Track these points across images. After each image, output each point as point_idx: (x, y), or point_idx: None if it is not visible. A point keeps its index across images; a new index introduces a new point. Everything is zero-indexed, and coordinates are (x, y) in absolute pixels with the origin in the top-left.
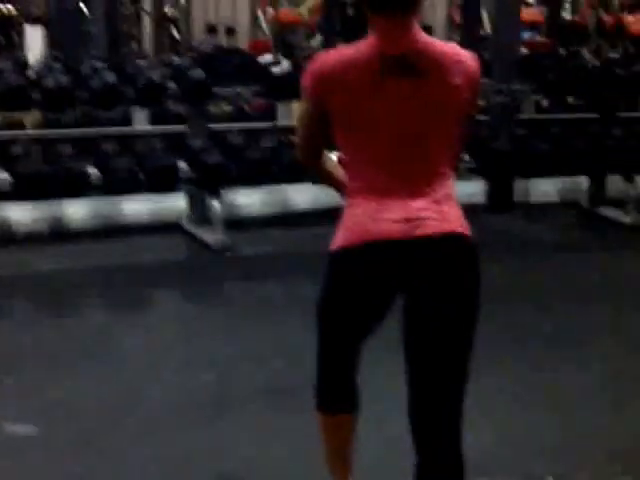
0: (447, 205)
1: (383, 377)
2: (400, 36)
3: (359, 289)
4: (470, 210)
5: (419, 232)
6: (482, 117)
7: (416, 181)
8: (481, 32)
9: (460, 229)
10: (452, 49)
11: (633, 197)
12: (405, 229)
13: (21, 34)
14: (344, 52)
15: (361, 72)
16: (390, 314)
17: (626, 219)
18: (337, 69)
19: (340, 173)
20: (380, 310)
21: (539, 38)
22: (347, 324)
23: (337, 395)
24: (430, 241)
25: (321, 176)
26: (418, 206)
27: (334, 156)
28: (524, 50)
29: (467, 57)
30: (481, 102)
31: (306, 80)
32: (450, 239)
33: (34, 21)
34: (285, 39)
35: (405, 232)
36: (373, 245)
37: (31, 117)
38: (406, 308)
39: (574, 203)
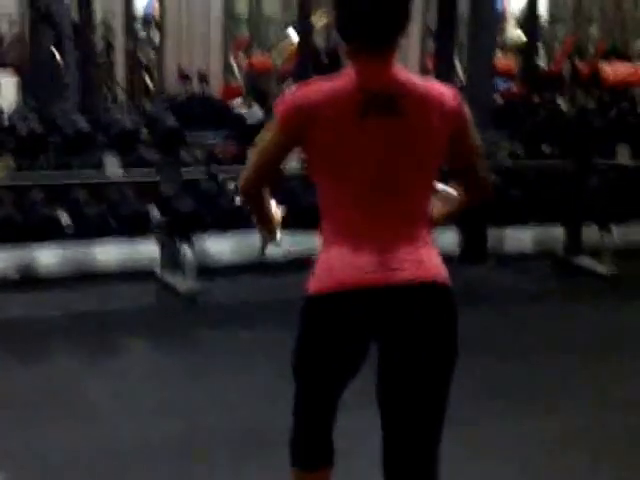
0: (425, 250)
1: (357, 430)
2: (380, 71)
3: (333, 339)
4: (443, 260)
5: (395, 279)
6: None
7: (393, 224)
8: (455, 80)
9: (438, 277)
10: (433, 87)
11: (609, 247)
12: (380, 276)
13: None
14: (324, 86)
15: (341, 107)
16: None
17: (602, 269)
18: (319, 103)
19: (274, 214)
20: (356, 359)
21: (513, 86)
22: (323, 375)
23: (315, 450)
24: (406, 289)
25: (256, 210)
26: (395, 252)
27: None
28: (498, 99)
29: (449, 96)
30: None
31: (283, 112)
32: (427, 287)
33: (8, 68)
34: (257, 85)
35: (380, 279)
36: (347, 294)
37: (3, 163)
38: (381, 358)
39: (549, 252)
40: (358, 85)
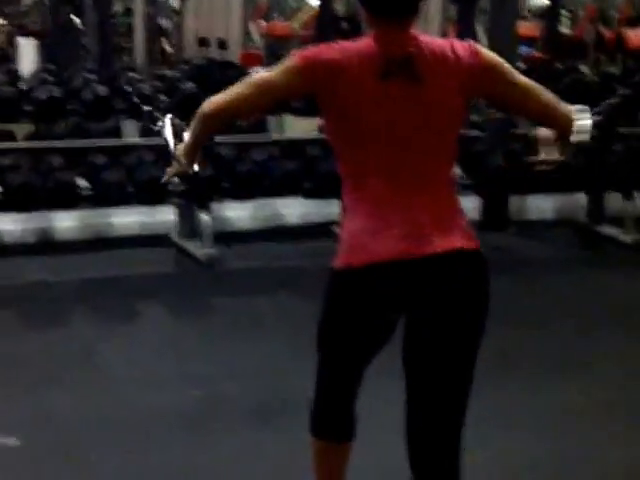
0: (452, 217)
1: (382, 404)
2: (401, 38)
3: (361, 311)
4: None
5: (423, 250)
6: (476, 132)
7: (418, 190)
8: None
9: (467, 244)
10: (449, 46)
11: (632, 215)
12: (408, 247)
13: (14, 47)
14: (346, 46)
15: (363, 69)
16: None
17: (625, 237)
18: (341, 60)
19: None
20: (384, 332)
21: (536, 53)
22: (349, 347)
23: (335, 422)
24: (436, 259)
25: (200, 135)
26: (421, 220)
27: (167, 118)
28: (521, 65)
29: (463, 50)
30: (475, 117)
31: (306, 59)
32: (456, 256)
33: (27, 34)
34: (277, 52)
35: (408, 251)
36: (375, 267)
37: (22, 128)
38: (408, 327)
39: (571, 220)
40: (378, 49)
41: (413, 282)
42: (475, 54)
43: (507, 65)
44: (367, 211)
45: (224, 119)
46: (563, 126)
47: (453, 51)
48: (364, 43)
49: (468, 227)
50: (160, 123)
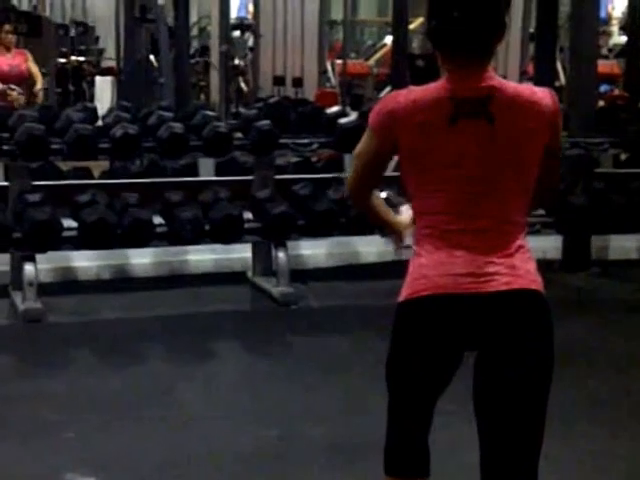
0: (519, 258)
1: (454, 439)
2: (473, 79)
3: (426, 346)
4: (545, 267)
5: (488, 288)
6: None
7: (487, 230)
8: (556, 84)
9: (531, 285)
10: (527, 90)
11: None
12: (474, 284)
13: (92, 85)
14: (415, 92)
15: (433, 113)
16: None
17: None
18: (408, 108)
19: (387, 211)
20: (449, 368)
21: (616, 91)
22: (417, 382)
23: (408, 458)
24: (499, 297)
25: (369, 213)
26: (489, 259)
27: (383, 194)
28: (601, 103)
29: (544, 97)
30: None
31: (375, 116)
32: (520, 295)
33: (104, 72)
34: (353, 91)
35: (474, 287)
36: (440, 298)
37: (98, 165)
38: (477, 367)
39: None
40: (449, 91)
41: (476, 317)
42: (554, 99)
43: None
44: (435, 247)
45: (364, 195)
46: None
47: (531, 93)
48: (435, 86)
49: (535, 270)
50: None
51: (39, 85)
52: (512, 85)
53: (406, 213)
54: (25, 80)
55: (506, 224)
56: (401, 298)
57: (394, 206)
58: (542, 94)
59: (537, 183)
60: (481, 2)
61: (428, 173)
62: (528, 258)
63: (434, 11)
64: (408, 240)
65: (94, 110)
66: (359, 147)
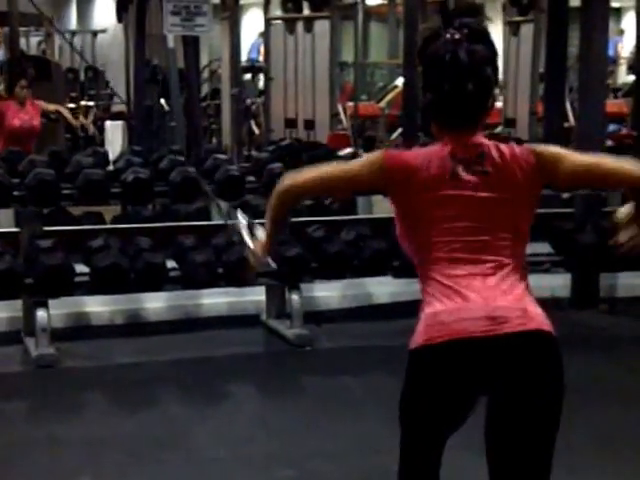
0: (528, 302)
1: (464, 476)
2: (468, 141)
3: (441, 387)
4: (554, 304)
5: (502, 330)
6: (567, 209)
7: (493, 276)
8: (565, 124)
9: (543, 326)
10: (508, 148)
11: None
12: (489, 327)
13: (102, 129)
14: (421, 151)
15: (439, 170)
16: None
17: None
18: (416, 164)
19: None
20: (463, 411)
21: (625, 130)
22: (429, 425)
23: None
24: (514, 339)
25: (274, 215)
26: (500, 304)
27: (243, 221)
28: (609, 142)
29: (521, 152)
30: (565, 194)
31: (387, 156)
32: (535, 337)
33: (115, 116)
34: (365, 132)
35: (489, 330)
36: (456, 343)
37: (110, 210)
38: (490, 409)
39: None
40: (449, 151)
41: (493, 360)
42: (531, 152)
43: (563, 151)
44: (445, 294)
45: (299, 195)
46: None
47: (513, 150)
48: (437, 147)
49: (542, 312)
50: (232, 220)
51: (68, 114)
52: (495, 144)
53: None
54: (36, 135)
55: (508, 268)
56: (415, 344)
57: (252, 228)
58: (519, 149)
59: (618, 188)
60: (470, 75)
61: (428, 227)
62: (534, 301)
63: (427, 85)
64: (272, 265)
65: (105, 154)
66: (350, 163)
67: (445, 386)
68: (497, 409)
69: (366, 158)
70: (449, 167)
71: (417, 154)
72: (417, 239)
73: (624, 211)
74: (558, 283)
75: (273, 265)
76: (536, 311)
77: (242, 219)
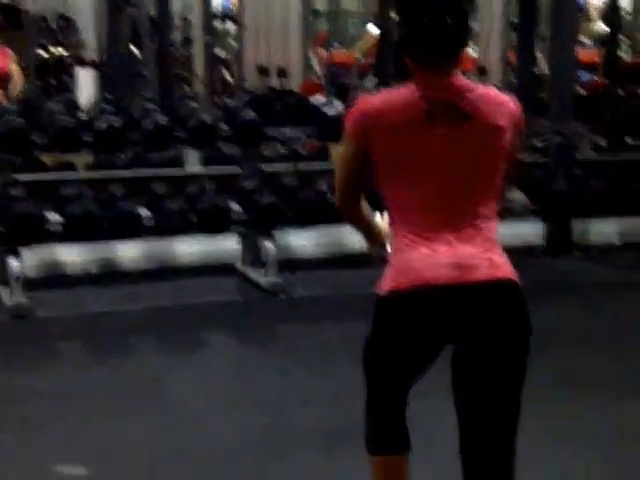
0: (494, 251)
1: (434, 422)
2: (443, 83)
3: (408, 334)
4: (528, 252)
5: (470, 278)
6: (540, 158)
7: (462, 224)
8: (536, 72)
9: (511, 276)
10: (492, 92)
11: None
12: (456, 275)
13: (72, 76)
14: (389, 95)
15: (407, 115)
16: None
17: None
18: (382, 111)
19: (375, 222)
20: (429, 355)
21: (596, 79)
22: (395, 370)
23: (386, 437)
24: (481, 287)
25: (356, 222)
26: (467, 252)
27: (378, 216)
28: (581, 91)
29: (509, 100)
30: (538, 143)
31: (349, 121)
32: (501, 286)
33: (85, 64)
34: (337, 80)
35: (456, 278)
36: (423, 289)
37: (82, 158)
38: (456, 356)
39: (635, 244)
40: (423, 94)
41: (461, 307)
42: (518, 106)
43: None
44: (416, 242)
45: (352, 203)
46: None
47: (499, 95)
48: (408, 89)
49: (508, 262)
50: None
51: (18, 87)
52: (479, 87)
53: (380, 220)
54: (6, 80)
55: (479, 218)
56: (384, 290)
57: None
58: (507, 97)
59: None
60: (448, 10)
61: (403, 171)
62: (502, 251)
63: (404, 20)
64: (388, 247)
65: (76, 102)
66: (339, 158)
67: (411, 332)
68: (464, 356)
69: (343, 143)
70: (422, 109)
71: (386, 97)
72: (390, 186)
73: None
74: (532, 231)
75: (388, 249)
76: (502, 260)
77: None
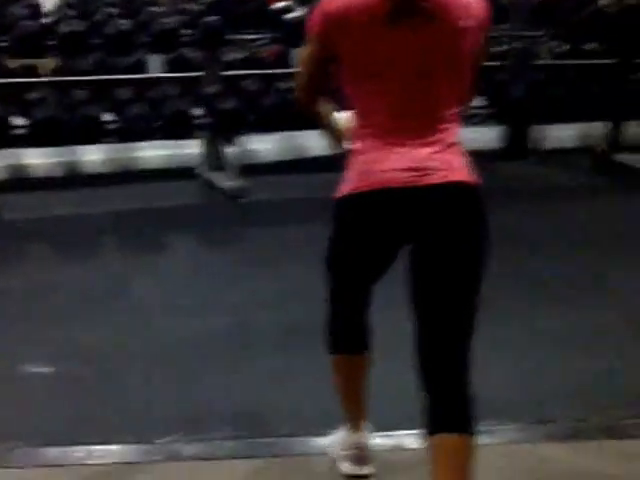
0: (454, 154)
1: (392, 324)
2: None
3: (365, 235)
4: (486, 156)
5: (427, 181)
6: (499, 63)
7: (424, 127)
8: None
9: (466, 178)
10: None
11: None
12: (412, 177)
13: None
14: None
15: (370, 15)
16: (399, 261)
17: None
18: (345, 11)
19: (335, 121)
20: (386, 255)
21: None
22: (354, 270)
23: (348, 335)
24: (436, 190)
25: (317, 120)
26: (425, 154)
27: (343, 114)
28: None
29: (475, 0)
30: (498, 48)
31: (313, 21)
32: (456, 188)
33: None
34: None
35: (412, 180)
36: (379, 192)
37: (46, 63)
38: (413, 254)
39: (590, 149)
40: None
41: (416, 210)
42: (485, 7)
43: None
44: (375, 144)
45: (311, 100)
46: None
47: None
48: None
49: (468, 164)
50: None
51: None
52: None
53: (340, 116)
54: None
55: (442, 121)
56: (342, 192)
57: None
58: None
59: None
60: None
61: (367, 73)
62: (462, 153)
63: None
64: (347, 144)
65: (39, 7)
66: (303, 52)
67: (368, 232)
68: (419, 257)
69: (306, 43)
70: (385, 10)
71: None
72: (354, 88)
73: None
74: (489, 135)
75: (346, 146)
76: (462, 164)
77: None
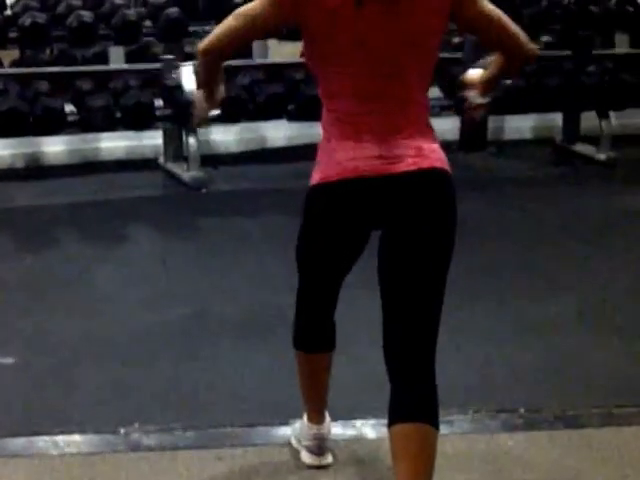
0: (424, 139)
1: (358, 314)
2: None
3: (335, 224)
4: (443, 147)
5: (396, 169)
6: (456, 53)
7: (393, 111)
8: None
9: (439, 164)
10: None
11: (606, 133)
12: (382, 166)
13: None
14: None
15: None
16: (366, 251)
17: (600, 155)
18: None
19: (220, 86)
20: (357, 246)
21: None
22: (325, 262)
23: (315, 334)
24: (407, 177)
25: (208, 75)
26: (396, 141)
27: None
28: None
29: None
30: (455, 38)
31: None
32: (427, 175)
33: None
34: None
35: (382, 169)
36: (352, 181)
37: (7, 55)
38: (382, 243)
39: (548, 139)
40: None
41: (386, 198)
42: None
43: None
44: (343, 131)
45: (219, 55)
46: (521, 55)
47: None
48: None
49: (439, 149)
50: (178, 70)
51: None
52: None
53: (477, 73)
54: None
55: (410, 105)
56: (313, 182)
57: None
58: None
59: (500, 50)
60: None
61: (334, 56)
62: (433, 138)
63: None
64: (216, 110)
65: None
66: (247, 7)
67: (340, 221)
68: (388, 244)
69: (258, 1)
70: None
71: None
72: (321, 69)
73: (475, 73)
74: (447, 127)
75: (216, 112)
76: (431, 149)
77: (190, 68)
